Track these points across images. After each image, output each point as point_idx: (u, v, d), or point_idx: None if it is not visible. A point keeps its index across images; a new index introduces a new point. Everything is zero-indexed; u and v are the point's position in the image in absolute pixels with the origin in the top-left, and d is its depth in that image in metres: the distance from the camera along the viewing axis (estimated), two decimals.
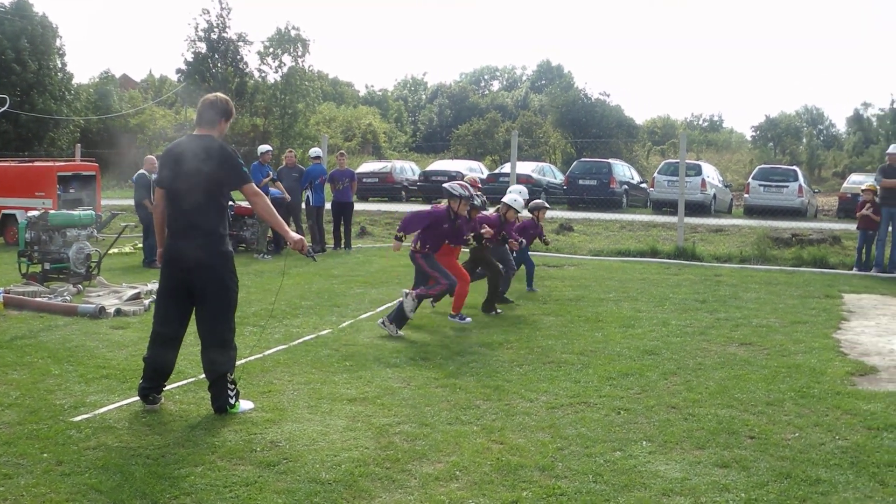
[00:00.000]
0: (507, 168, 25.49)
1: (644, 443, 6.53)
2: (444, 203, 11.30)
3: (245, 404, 7.20)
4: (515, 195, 13.06)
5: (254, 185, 7.13)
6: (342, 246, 20.53)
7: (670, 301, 13.14)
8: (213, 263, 7.02)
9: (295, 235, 7.28)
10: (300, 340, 9.93)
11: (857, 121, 75.35)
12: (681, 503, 5.39)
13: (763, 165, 37.22)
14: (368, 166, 38.84)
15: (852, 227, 20.08)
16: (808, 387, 8.18)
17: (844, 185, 33.95)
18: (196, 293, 7.07)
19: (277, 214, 7.35)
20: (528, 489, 5.56)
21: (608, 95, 70.16)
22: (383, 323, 10.48)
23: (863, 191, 18.20)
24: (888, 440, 6.68)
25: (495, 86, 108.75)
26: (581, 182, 31.18)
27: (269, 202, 7.32)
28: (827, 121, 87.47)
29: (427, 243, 11.08)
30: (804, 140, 75.22)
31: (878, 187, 17.53)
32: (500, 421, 7.02)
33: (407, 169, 39.27)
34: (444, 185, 11.58)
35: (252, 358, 8.91)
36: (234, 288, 7.16)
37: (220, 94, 7.40)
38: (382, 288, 14.12)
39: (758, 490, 5.61)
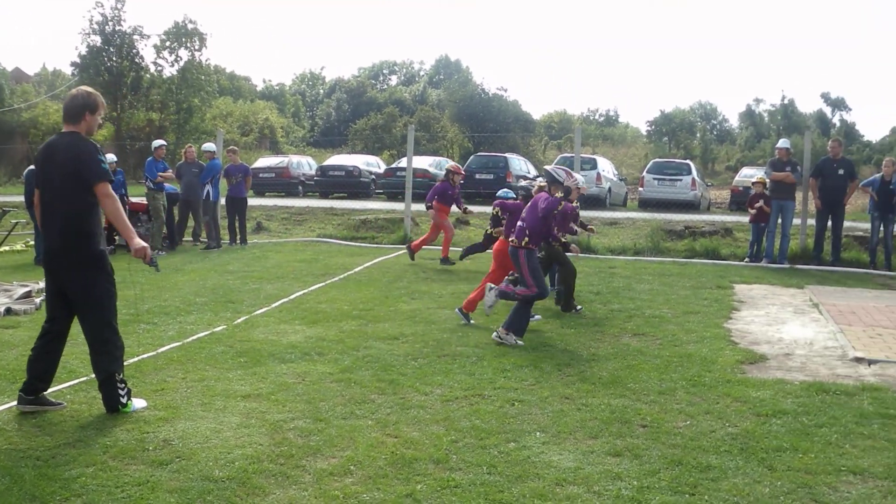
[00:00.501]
0: (404, 162, 25.47)
1: (538, 433, 6.60)
2: (535, 191, 10.58)
3: (138, 402, 7.10)
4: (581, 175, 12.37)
5: (108, 186, 6.85)
6: (237, 241, 20.33)
7: None
8: (83, 264, 6.86)
9: (139, 242, 7.00)
10: (194, 337, 9.81)
11: (749, 116, 77.20)
12: (574, 492, 5.45)
13: (657, 159, 37.83)
14: (265, 161, 38.53)
15: (744, 219, 20.56)
16: (700, 375, 8.35)
17: (736, 178, 34.67)
18: (69, 295, 6.93)
19: (125, 218, 7.04)
20: (423, 482, 5.58)
21: (506, 90, 70.54)
22: (499, 336, 9.79)
23: (753, 184, 18.62)
24: (776, 426, 6.85)
25: (393, 80, 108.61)
26: (478, 176, 31.19)
27: (119, 205, 7.02)
28: (720, 116, 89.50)
29: (532, 238, 10.04)
30: (698, 135, 76.67)
31: (767, 180, 17.92)
32: (394, 415, 7.03)
33: (304, 164, 39.11)
34: (547, 167, 10.63)
35: (145, 356, 8.78)
36: (108, 287, 6.97)
37: (82, 88, 7.17)
38: (278, 283, 14.01)
39: (650, 477, 5.71)
